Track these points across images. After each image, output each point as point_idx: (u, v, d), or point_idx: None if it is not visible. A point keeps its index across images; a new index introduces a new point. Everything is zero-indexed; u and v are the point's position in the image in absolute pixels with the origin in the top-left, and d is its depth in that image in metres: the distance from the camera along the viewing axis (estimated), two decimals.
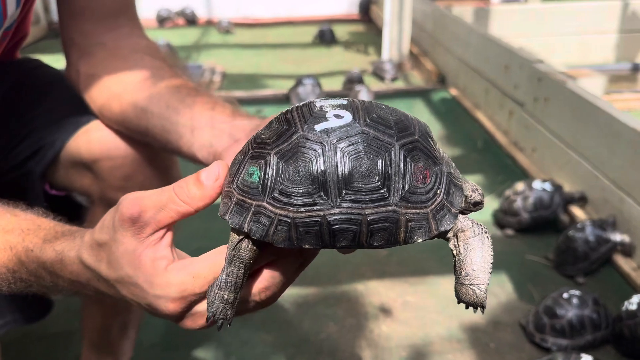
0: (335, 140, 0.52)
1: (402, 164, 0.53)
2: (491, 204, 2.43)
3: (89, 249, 0.62)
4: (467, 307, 0.60)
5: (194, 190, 0.57)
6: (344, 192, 0.52)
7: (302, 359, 1.61)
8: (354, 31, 6.13)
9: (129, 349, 1.35)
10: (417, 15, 4.71)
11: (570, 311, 1.63)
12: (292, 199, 0.52)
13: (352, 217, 0.52)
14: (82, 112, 1.05)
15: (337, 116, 0.53)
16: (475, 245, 0.58)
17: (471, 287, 0.58)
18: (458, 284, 0.59)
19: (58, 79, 1.15)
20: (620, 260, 1.93)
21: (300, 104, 0.56)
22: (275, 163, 0.53)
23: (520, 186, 2.28)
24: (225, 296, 0.55)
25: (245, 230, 0.53)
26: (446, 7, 4.37)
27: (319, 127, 0.53)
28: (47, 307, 1.20)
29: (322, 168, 0.51)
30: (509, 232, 2.21)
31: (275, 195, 0.52)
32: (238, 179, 0.55)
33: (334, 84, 4.07)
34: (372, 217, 0.53)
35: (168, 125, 0.89)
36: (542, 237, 2.17)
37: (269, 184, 0.53)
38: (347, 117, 0.53)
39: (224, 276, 0.55)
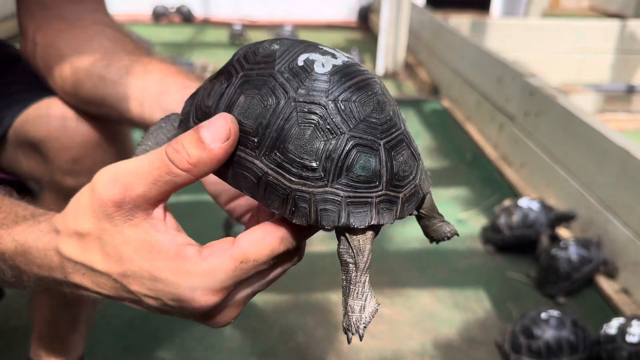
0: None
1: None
2: (477, 218, 2.38)
3: (67, 239, 0.51)
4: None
5: (196, 153, 0.47)
6: None
7: None
8: (351, 38, 6.09)
9: (79, 344, 1.28)
10: (413, 25, 4.68)
11: (547, 332, 1.58)
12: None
13: None
14: (35, 89, 0.98)
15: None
16: None
17: None
18: None
19: (16, 58, 1.09)
20: (603, 282, 1.87)
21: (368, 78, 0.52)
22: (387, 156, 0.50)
23: (507, 202, 2.23)
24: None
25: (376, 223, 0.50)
26: (443, 17, 4.34)
27: None
28: None
29: None
30: (489, 248, 2.15)
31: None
32: (344, 169, 0.49)
33: None
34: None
35: (126, 91, 0.83)
36: (525, 254, 2.11)
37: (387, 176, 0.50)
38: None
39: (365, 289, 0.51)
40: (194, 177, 0.49)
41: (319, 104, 0.48)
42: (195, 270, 0.49)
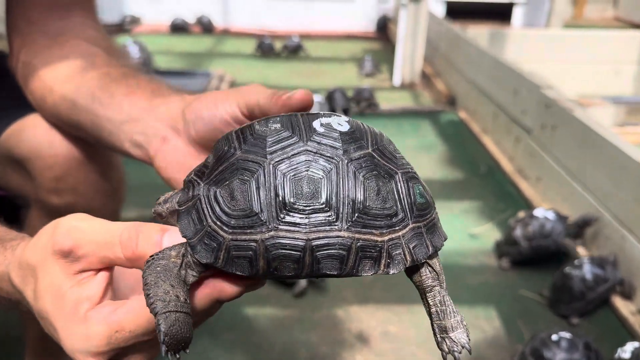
0: None
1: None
2: (491, 232, 2.32)
3: (17, 267, 0.54)
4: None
5: (145, 249, 0.49)
6: None
7: None
8: (369, 48, 6.07)
9: None
10: (431, 35, 4.64)
11: (558, 355, 1.51)
12: None
13: None
14: (22, 105, 0.98)
15: None
16: None
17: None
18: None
19: (5, 71, 1.08)
20: (619, 303, 1.80)
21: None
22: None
23: (521, 214, 2.17)
24: None
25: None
26: (461, 28, 4.29)
27: None
28: None
29: None
30: (505, 263, 2.09)
31: None
32: (412, 203, 0.51)
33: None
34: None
35: (96, 120, 0.82)
36: (539, 271, 2.05)
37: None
38: None
39: None
40: (131, 266, 0.51)
41: (367, 156, 0.49)
42: (77, 331, 0.50)
